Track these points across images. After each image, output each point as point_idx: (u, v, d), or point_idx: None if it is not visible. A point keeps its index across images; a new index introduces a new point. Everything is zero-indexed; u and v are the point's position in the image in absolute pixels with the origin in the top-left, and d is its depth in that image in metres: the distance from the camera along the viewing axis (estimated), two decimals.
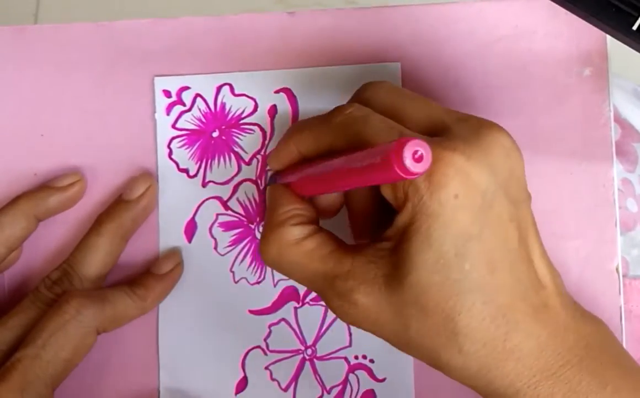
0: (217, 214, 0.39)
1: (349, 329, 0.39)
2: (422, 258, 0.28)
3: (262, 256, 0.33)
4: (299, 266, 0.32)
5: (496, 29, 0.40)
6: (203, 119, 0.40)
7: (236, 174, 0.40)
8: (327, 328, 0.39)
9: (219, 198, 0.39)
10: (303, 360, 0.39)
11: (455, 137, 0.30)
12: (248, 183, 0.39)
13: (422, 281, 0.28)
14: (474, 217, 0.28)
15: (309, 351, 0.39)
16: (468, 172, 0.28)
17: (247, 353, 0.39)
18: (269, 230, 0.33)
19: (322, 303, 0.38)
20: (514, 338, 0.29)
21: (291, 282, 0.39)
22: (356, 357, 0.39)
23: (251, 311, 0.39)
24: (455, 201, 0.28)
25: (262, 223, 0.39)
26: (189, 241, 0.39)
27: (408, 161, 0.25)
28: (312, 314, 0.39)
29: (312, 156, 0.33)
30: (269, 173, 0.39)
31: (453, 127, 0.30)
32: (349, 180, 0.30)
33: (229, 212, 0.39)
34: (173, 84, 0.40)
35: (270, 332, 0.39)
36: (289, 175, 0.35)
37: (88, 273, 0.37)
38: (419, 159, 0.25)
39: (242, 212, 0.39)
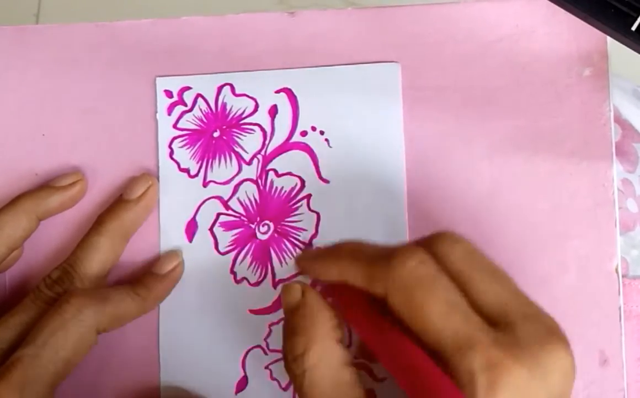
0: (218, 214, 0.39)
1: (349, 329, 0.39)
2: None
3: (294, 368, 0.30)
4: (323, 392, 0.29)
5: (496, 29, 0.40)
6: (204, 119, 0.40)
7: (237, 174, 0.40)
8: None
9: (219, 198, 0.40)
10: None
11: (520, 340, 0.28)
12: (249, 183, 0.40)
13: None
14: None
15: None
16: (527, 391, 0.27)
17: (247, 353, 0.39)
18: (313, 338, 0.30)
19: None
20: None
21: None
22: (356, 357, 0.39)
23: (251, 311, 0.39)
24: None
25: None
26: (190, 240, 0.39)
27: None
28: None
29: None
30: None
31: (518, 325, 0.28)
32: (390, 369, 0.28)
33: (230, 212, 0.39)
34: (174, 84, 0.40)
35: (270, 332, 0.39)
36: (323, 290, 0.31)
37: (89, 272, 0.37)
38: None
39: (242, 212, 0.39)
